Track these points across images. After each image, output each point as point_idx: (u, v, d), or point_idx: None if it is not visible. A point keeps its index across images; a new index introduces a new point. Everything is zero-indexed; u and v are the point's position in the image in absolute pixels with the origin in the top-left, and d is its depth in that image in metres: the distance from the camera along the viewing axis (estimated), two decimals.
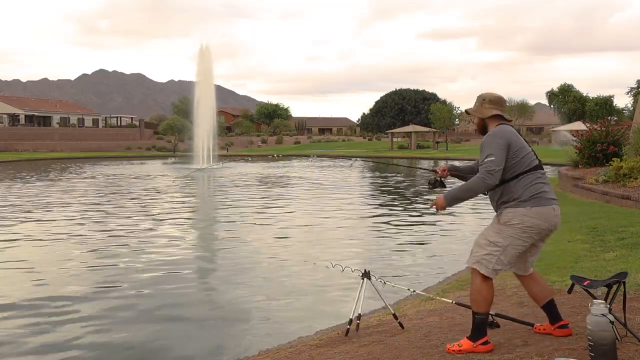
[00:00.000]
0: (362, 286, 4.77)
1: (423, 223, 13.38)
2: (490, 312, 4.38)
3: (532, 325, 4.30)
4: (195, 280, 8.48)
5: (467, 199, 3.91)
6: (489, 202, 4.05)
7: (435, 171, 4.27)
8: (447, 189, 4.05)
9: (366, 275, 4.80)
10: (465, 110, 4.19)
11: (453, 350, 3.84)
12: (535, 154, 3.96)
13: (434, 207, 3.90)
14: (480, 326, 3.84)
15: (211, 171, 33.26)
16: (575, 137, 20.75)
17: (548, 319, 4.06)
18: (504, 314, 4.56)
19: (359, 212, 15.69)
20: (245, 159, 45.95)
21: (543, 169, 3.96)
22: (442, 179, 4.23)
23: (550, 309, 4.02)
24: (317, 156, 54.76)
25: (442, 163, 4.41)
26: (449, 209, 4.12)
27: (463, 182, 3.98)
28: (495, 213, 3.97)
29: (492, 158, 3.73)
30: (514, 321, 4.43)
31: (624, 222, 8.92)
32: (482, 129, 4.04)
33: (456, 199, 3.86)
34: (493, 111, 3.98)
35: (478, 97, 4.08)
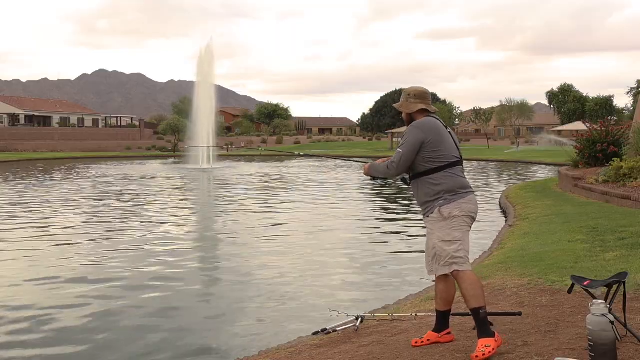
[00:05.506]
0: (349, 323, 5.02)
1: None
2: (466, 312, 4.42)
3: (519, 314, 4.40)
4: (195, 280, 8.47)
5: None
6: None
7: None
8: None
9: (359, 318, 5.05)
10: (392, 106, 4.36)
11: (483, 355, 3.54)
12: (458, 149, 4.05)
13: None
14: (487, 319, 3.72)
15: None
16: (563, 138, 20.87)
17: (437, 326, 4.09)
18: (492, 312, 4.61)
19: (360, 210, 15.72)
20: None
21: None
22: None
23: (447, 317, 4.10)
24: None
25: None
26: None
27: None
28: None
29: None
30: (499, 314, 4.48)
31: (624, 222, 8.92)
32: (409, 123, 4.18)
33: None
34: (419, 105, 4.13)
35: (403, 92, 4.28)
